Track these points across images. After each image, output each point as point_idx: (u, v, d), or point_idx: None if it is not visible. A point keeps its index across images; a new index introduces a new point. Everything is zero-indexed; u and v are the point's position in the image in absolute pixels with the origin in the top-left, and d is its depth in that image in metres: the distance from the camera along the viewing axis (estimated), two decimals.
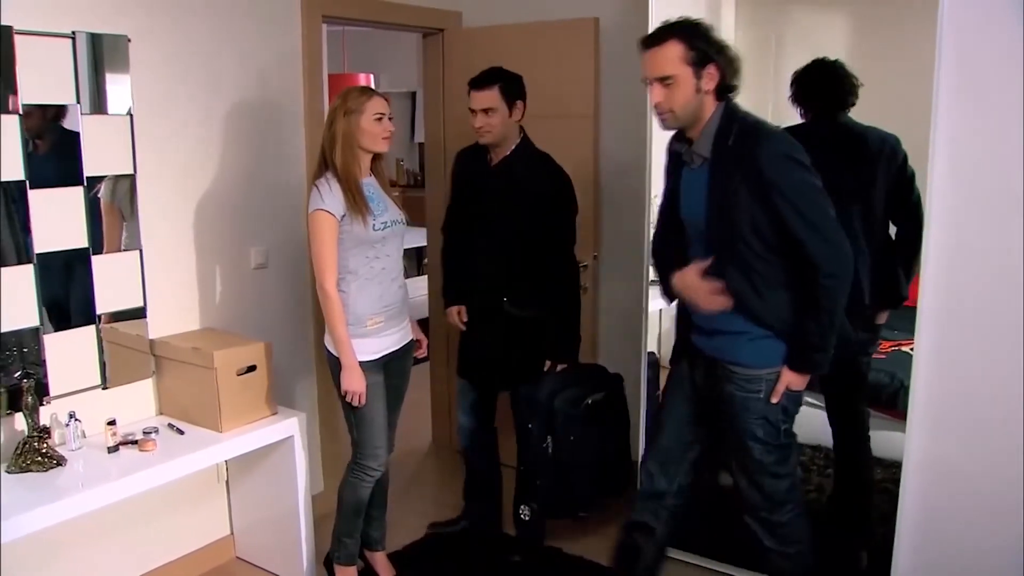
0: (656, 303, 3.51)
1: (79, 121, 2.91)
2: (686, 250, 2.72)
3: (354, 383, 3.01)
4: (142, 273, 3.18)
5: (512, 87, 3.43)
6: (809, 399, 3.63)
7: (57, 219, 2.90)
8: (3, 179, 2.73)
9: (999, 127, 2.55)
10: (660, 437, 2.91)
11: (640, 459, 3.19)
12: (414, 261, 7.27)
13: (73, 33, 2.87)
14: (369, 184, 3.07)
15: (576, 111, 4.07)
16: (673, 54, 2.49)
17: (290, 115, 3.69)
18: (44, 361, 2.91)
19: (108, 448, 2.92)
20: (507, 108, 3.41)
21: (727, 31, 3.80)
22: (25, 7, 2.74)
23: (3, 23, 2.67)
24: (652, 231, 3.09)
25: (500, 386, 3.77)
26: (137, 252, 3.16)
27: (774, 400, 2.60)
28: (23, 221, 2.80)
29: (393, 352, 3.17)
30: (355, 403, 3.05)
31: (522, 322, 3.55)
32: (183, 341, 3.23)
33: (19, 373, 2.83)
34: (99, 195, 3.01)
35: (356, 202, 2.96)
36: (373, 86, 7.09)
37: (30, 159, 2.79)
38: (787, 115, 3.42)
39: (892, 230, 3.35)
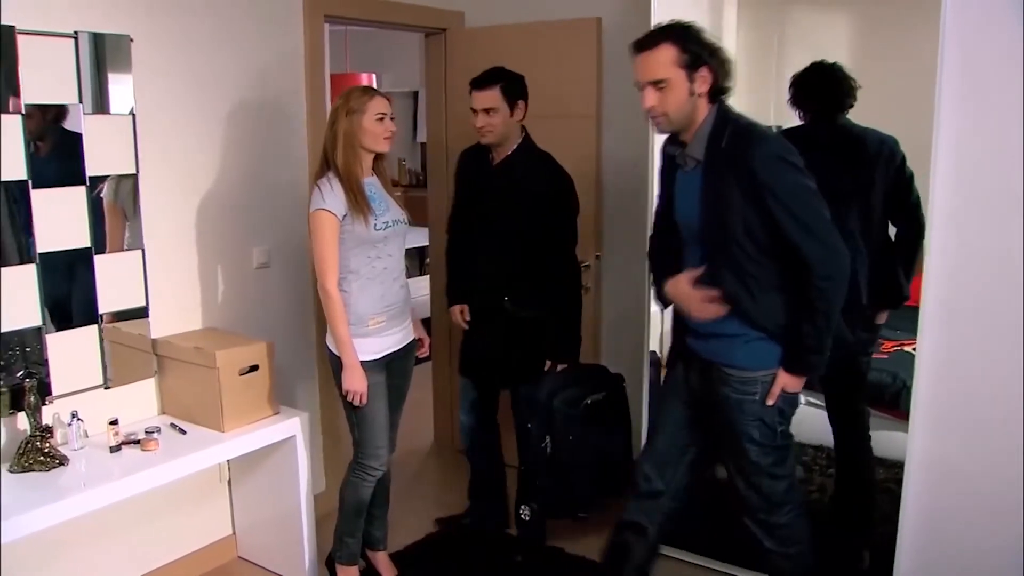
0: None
1: (81, 121, 2.92)
2: (681, 253, 2.72)
3: (355, 383, 3.01)
4: (144, 273, 3.18)
5: (513, 87, 3.44)
6: (812, 399, 3.64)
7: (59, 219, 2.90)
8: (6, 179, 2.74)
9: (1001, 127, 2.55)
10: (656, 439, 2.90)
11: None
12: (416, 261, 7.27)
13: (75, 33, 2.87)
14: (371, 184, 3.07)
15: (578, 111, 4.06)
16: (666, 57, 2.49)
17: (292, 115, 3.70)
18: (46, 361, 2.91)
19: (110, 448, 2.92)
20: (508, 108, 3.42)
21: (729, 32, 3.81)
22: (27, 7, 2.74)
23: (6, 23, 2.67)
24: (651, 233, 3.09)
25: (500, 385, 3.79)
26: (139, 252, 3.16)
27: (770, 402, 2.60)
28: (25, 221, 2.80)
29: (395, 352, 3.18)
30: (356, 403, 3.05)
31: (523, 322, 3.56)
32: (185, 341, 3.23)
33: (21, 373, 2.83)
34: (101, 195, 3.01)
35: (358, 202, 2.96)
36: (375, 86, 7.11)
37: (32, 159, 2.80)
38: (789, 116, 3.42)
39: (891, 231, 3.36)
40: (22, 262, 2.81)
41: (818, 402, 3.56)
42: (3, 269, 2.76)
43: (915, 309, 2.79)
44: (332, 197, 2.94)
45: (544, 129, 3.63)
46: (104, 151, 3.00)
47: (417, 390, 3.66)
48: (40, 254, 2.85)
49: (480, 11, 4.41)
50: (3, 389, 2.79)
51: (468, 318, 3.78)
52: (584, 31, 4.00)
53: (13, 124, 2.74)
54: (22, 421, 2.83)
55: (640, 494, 2.88)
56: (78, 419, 2.93)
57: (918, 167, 2.84)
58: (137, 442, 2.97)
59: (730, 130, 2.52)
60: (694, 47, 2.50)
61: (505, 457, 3.93)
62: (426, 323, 3.55)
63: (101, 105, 2.98)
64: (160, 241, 3.23)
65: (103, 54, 2.95)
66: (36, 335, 2.87)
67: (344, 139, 2.98)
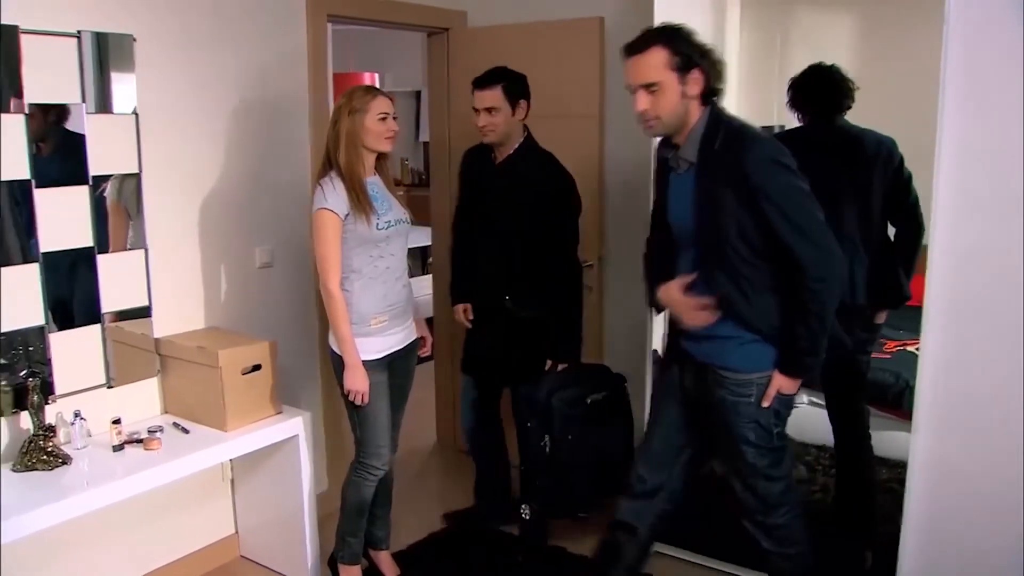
0: None
1: (84, 120, 2.92)
2: (675, 256, 2.72)
3: (357, 382, 3.01)
4: (147, 272, 3.18)
5: (515, 86, 3.45)
6: (814, 399, 3.64)
7: (63, 218, 2.90)
8: (9, 179, 2.74)
9: (1005, 127, 2.55)
10: (650, 440, 2.90)
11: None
12: (418, 260, 7.27)
13: (79, 32, 2.87)
14: (373, 183, 3.07)
15: (580, 111, 4.06)
16: (657, 60, 2.49)
17: (295, 114, 3.70)
18: (50, 360, 2.91)
19: (113, 447, 2.93)
20: (510, 107, 3.44)
21: (731, 32, 3.81)
22: (31, 6, 2.74)
23: (10, 23, 2.68)
24: None
25: (501, 384, 3.79)
26: (142, 251, 3.16)
27: (765, 404, 2.59)
28: (28, 220, 2.80)
29: (397, 351, 3.18)
30: (358, 402, 3.05)
31: (523, 321, 3.58)
32: (188, 340, 3.23)
33: (25, 372, 2.83)
34: (104, 194, 3.01)
35: (360, 201, 2.96)
36: (378, 85, 7.11)
37: (35, 158, 2.80)
38: (791, 116, 3.43)
39: (890, 231, 3.37)
40: (25, 261, 2.82)
41: (821, 402, 3.57)
42: (7, 269, 2.77)
43: (918, 309, 2.79)
44: (334, 196, 2.94)
45: (547, 129, 3.64)
46: (107, 151, 3.00)
47: (420, 389, 3.67)
48: (43, 253, 2.85)
49: (482, 11, 4.41)
50: (6, 388, 2.79)
51: (471, 317, 3.80)
52: (586, 31, 3.99)
53: (16, 124, 2.74)
54: (25, 420, 2.83)
55: (633, 495, 2.88)
56: (81, 418, 2.93)
57: (921, 166, 2.84)
58: (140, 441, 2.98)
59: (723, 132, 2.52)
60: (685, 49, 2.50)
61: (510, 456, 3.93)
62: (429, 323, 3.55)
63: (104, 105, 2.98)
64: (163, 240, 3.23)
65: (106, 53, 2.95)
66: (39, 334, 2.88)
67: (346, 139, 2.98)
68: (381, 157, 3.11)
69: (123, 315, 3.13)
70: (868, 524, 3.42)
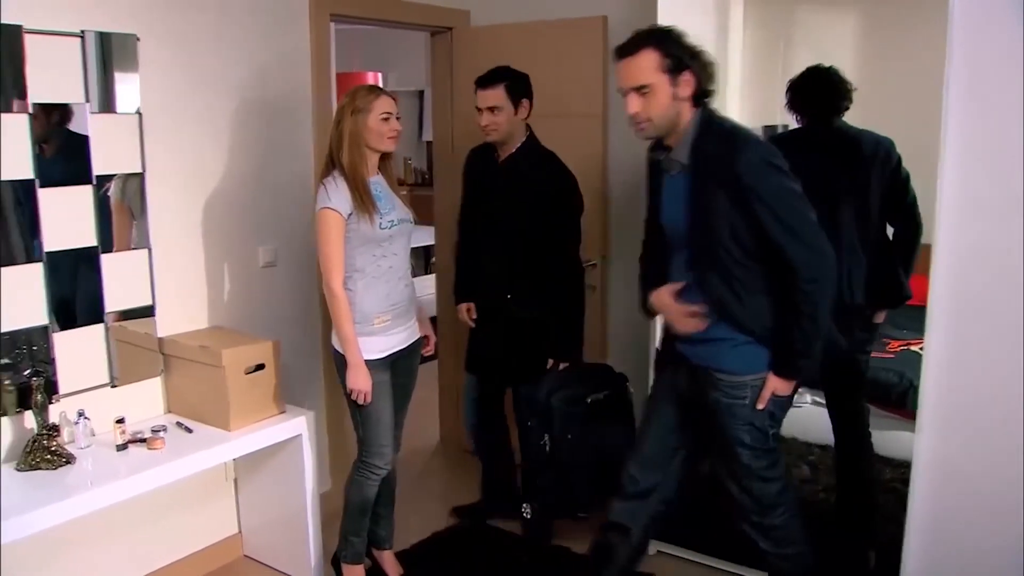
0: None
1: (88, 120, 2.92)
2: (668, 259, 2.72)
3: (360, 381, 3.01)
4: (151, 271, 3.19)
5: (518, 85, 3.47)
6: (818, 399, 3.64)
7: (66, 218, 2.91)
8: (13, 178, 2.74)
9: (1009, 126, 2.54)
10: (644, 442, 2.90)
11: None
12: (422, 260, 7.27)
13: (82, 32, 2.88)
14: (376, 183, 3.07)
15: (584, 110, 4.06)
16: (648, 63, 2.49)
17: (299, 113, 3.70)
18: (53, 359, 2.91)
19: (117, 446, 2.93)
20: (513, 106, 3.46)
21: (735, 31, 3.81)
22: (34, 6, 2.75)
23: (13, 22, 2.68)
24: None
25: (504, 383, 3.80)
26: (146, 251, 3.17)
27: (760, 406, 2.59)
28: (32, 220, 2.81)
29: (400, 351, 3.18)
30: (360, 401, 3.05)
31: (525, 320, 3.59)
32: (191, 339, 3.23)
33: (28, 371, 2.84)
34: (108, 194, 3.01)
35: (363, 200, 2.96)
36: (381, 85, 7.11)
37: (39, 158, 2.80)
38: (793, 116, 3.43)
39: (889, 231, 3.37)
40: (29, 261, 2.82)
41: (824, 402, 3.56)
42: (11, 268, 2.77)
43: (921, 308, 2.79)
44: (337, 196, 2.94)
45: (550, 128, 3.64)
46: (110, 150, 3.00)
47: (423, 389, 3.67)
48: (47, 253, 2.86)
49: (486, 10, 4.41)
50: (10, 388, 2.79)
51: (474, 316, 3.81)
52: (590, 30, 3.99)
53: (20, 123, 2.75)
54: (29, 419, 2.83)
55: (626, 496, 2.88)
56: (85, 418, 2.93)
57: (924, 166, 2.84)
58: (143, 441, 2.98)
59: (714, 134, 2.52)
60: (676, 51, 2.50)
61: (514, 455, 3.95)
62: (432, 322, 3.56)
63: (108, 104, 2.98)
64: (166, 240, 3.23)
65: (109, 53, 2.96)
66: (43, 334, 2.88)
67: (349, 138, 2.98)
68: (384, 157, 3.11)
69: (127, 314, 3.13)
70: (868, 524, 3.42)
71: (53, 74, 2.82)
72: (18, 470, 2.75)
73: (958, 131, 2.58)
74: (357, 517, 3.27)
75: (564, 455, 3.48)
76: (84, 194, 2.95)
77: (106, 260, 3.04)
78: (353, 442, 3.31)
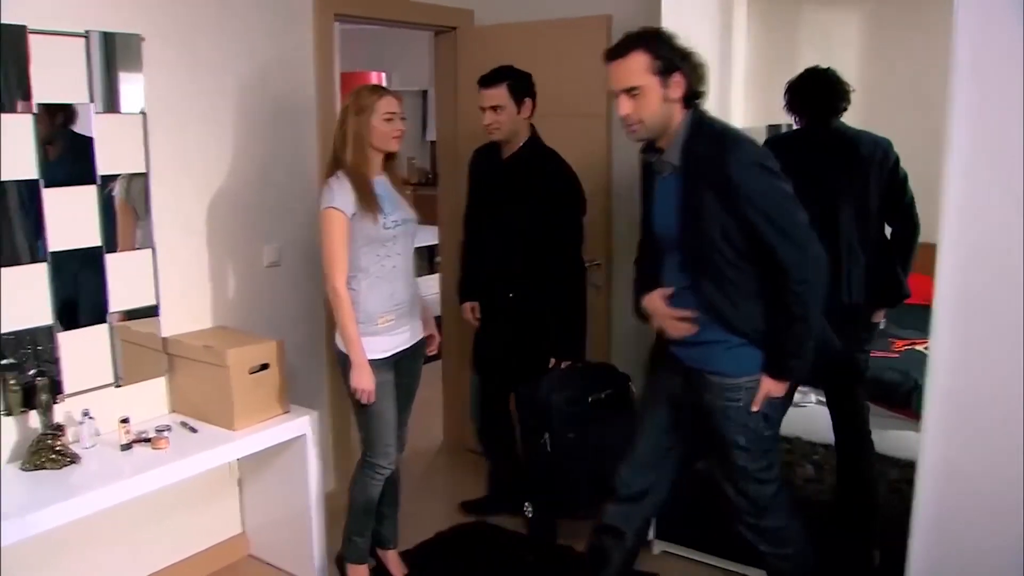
0: None
1: (92, 120, 2.92)
2: (661, 261, 2.72)
3: (363, 381, 3.01)
4: (155, 271, 3.19)
5: (520, 85, 3.49)
6: (822, 398, 3.63)
7: (71, 218, 2.91)
8: (17, 178, 2.75)
9: (1014, 125, 2.53)
10: (636, 444, 2.89)
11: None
12: (426, 259, 7.27)
13: (87, 32, 2.88)
14: (380, 183, 3.07)
15: (588, 110, 4.06)
16: (638, 65, 2.49)
17: (303, 113, 3.70)
18: (58, 359, 2.92)
19: (121, 446, 2.93)
20: (515, 105, 3.48)
21: (739, 30, 3.80)
22: (39, 6, 2.75)
23: (17, 22, 2.68)
24: None
25: (507, 382, 3.80)
26: (150, 250, 3.17)
27: (755, 408, 2.59)
28: (37, 220, 2.81)
29: (403, 350, 3.18)
30: (364, 401, 3.05)
31: (527, 319, 3.59)
32: (196, 339, 3.24)
33: (33, 371, 2.84)
34: (113, 194, 3.02)
35: (367, 200, 2.96)
36: (385, 84, 7.11)
37: (44, 158, 2.80)
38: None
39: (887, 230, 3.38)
40: (34, 261, 2.82)
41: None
42: (15, 268, 2.77)
43: (926, 308, 2.78)
44: (342, 195, 2.94)
45: (554, 128, 3.64)
46: (115, 150, 3.01)
47: (427, 388, 3.67)
48: (52, 253, 2.86)
49: (490, 9, 4.41)
50: (15, 387, 2.80)
51: (479, 316, 3.83)
52: (594, 29, 3.98)
53: (24, 124, 2.75)
54: (34, 419, 2.84)
55: (618, 498, 2.88)
56: (89, 417, 2.94)
57: (929, 165, 2.83)
58: (148, 440, 2.98)
59: (705, 135, 2.52)
60: (666, 53, 2.50)
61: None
62: (436, 321, 3.57)
63: (112, 104, 2.98)
64: (171, 240, 3.24)
65: (114, 53, 2.96)
66: (48, 334, 2.88)
67: (353, 138, 2.98)
68: (388, 156, 3.11)
69: (131, 314, 3.13)
70: (869, 523, 3.42)
71: (57, 74, 2.82)
72: (23, 470, 2.75)
73: (963, 130, 2.58)
74: (361, 517, 3.27)
75: (564, 454, 3.48)
76: (88, 194, 2.95)
77: (110, 260, 3.04)
78: (357, 442, 3.31)
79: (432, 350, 3.41)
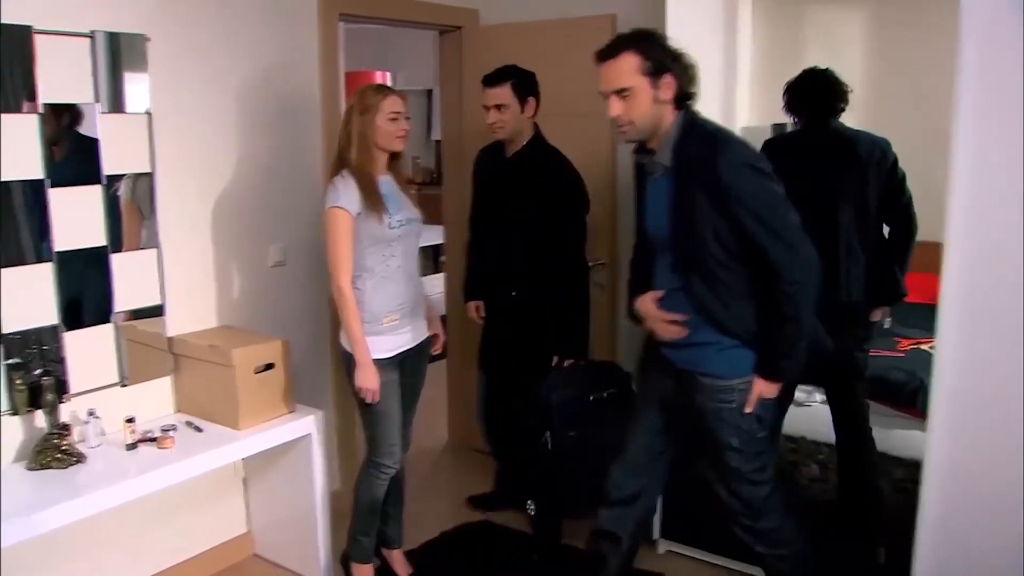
0: None
1: (98, 120, 2.93)
2: (653, 263, 2.72)
3: (368, 380, 3.01)
4: (160, 271, 3.19)
5: (524, 84, 3.52)
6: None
7: (76, 217, 2.91)
8: (23, 178, 2.75)
9: (1021, 125, 2.53)
10: (628, 447, 2.88)
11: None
12: (431, 259, 7.27)
13: (92, 33, 2.88)
14: (385, 182, 3.07)
15: (593, 109, 4.01)
16: (628, 66, 2.49)
17: (308, 113, 3.70)
18: (64, 359, 2.92)
19: (127, 445, 2.93)
20: (519, 104, 3.51)
21: (744, 29, 3.80)
22: (44, 6, 2.75)
23: (23, 23, 2.69)
24: None
25: (510, 380, 3.81)
26: (155, 250, 3.17)
27: (748, 410, 2.59)
28: (43, 219, 2.81)
29: (408, 350, 3.17)
30: (369, 400, 3.05)
31: (528, 318, 3.60)
32: (201, 339, 3.24)
33: (39, 371, 2.84)
34: (118, 193, 3.02)
35: (372, 200, 2.96)
36: (389, 84, 7.11)
37: (49, 158, 2.81)
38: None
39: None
40: (39, 260, 2.83)
41: None
42: (21, 268, 2.78)
43: (932, 307, 2.78)
44: (347, 195, 2.94)
45: (559, 127, 3.64)
46: (120, 150, 3.01)
47: (432, 388, 3.67)
48: (57, 252, 2.86)
49: (495, 9, 4.41)
50: (21, 387, 2.80)
51: (483, 314, 3.84)
52: (599, 28, 3.98)
53: (30, 124, 2.75)
54: (40, 419, 2.84)
55: (611, 502, 2.88)
56: (95, 417, 2.94)
57: (936, 164, 2.83)
58: (153, 440, 2.98)
59: (697, 136, 2.52)
60: (656, 54, 2.50)
61: None
62: (441, 321, 3.58)
63: (117, 104, 2.99)
64: (176, 239, 3.24)
65: (119, 53, 2.96)
66: (53, 333, 2.89)
67: (358, 138, 2.98)
68: (393, 156, 3.11)
69: (136, 314, 3.14)
70: (870, 522, 3.42)
71: (63, 74, 2.83)
72: (29, 469, 2.76)
73: (969, 129, 2.57)
74: (366, 516, 3.27)
75: (565, 453, 3.48)
76: (94, 194, 2.96)
77: (116, 260, 3.04)
78: (362, 441, 3.31)
79: (437, 349, 3.41)
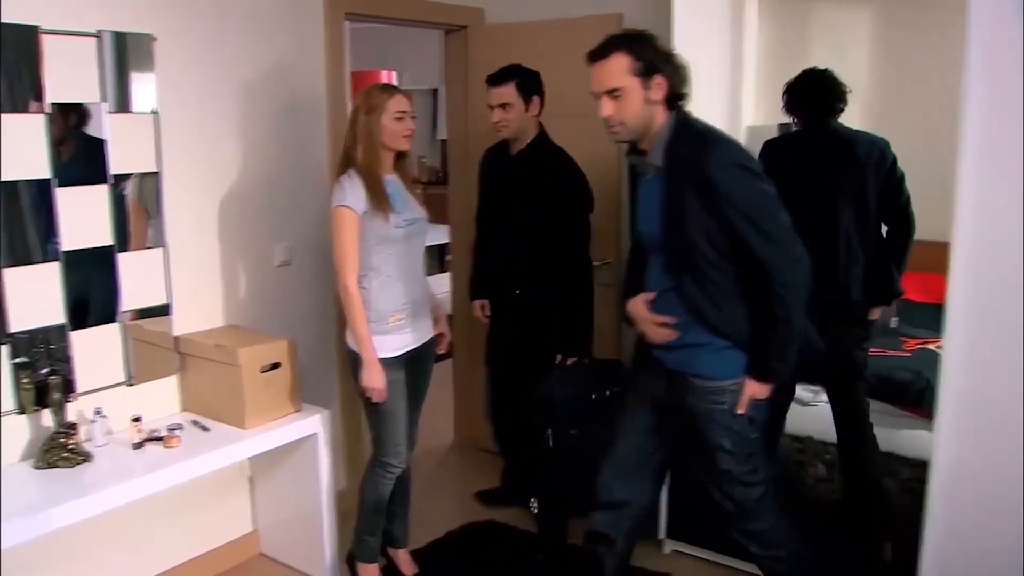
0: None
1: (104, 120, 2.93)
2: (646, 264, 2.72)
3: (374, 379, 3.01)
4: (167, 270, 3.20)
5: (528, 83, 3.53)
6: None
7: (83, 217, 2.92)
8: (30, 177, 2.76)
9: None
10: (619, 448, 2.87)
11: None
12: (436, 258, 7.28)
13: (99, 32, 2.89)
14: (391, 182, 3.07)
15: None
16: (618, 66, 2.49)
17: (313, 112, 3.71)
18: (70, 358, 2.93)
19: (133, 444, 2.94)
20: (523, 103, 3.52)
21: (750, 29, 3.80)
22: (50, 6, 2.76)
23: (30, 23, 2.69)
24: None
25: (515, 378, 3.82)
26: (162, 249, 3.18)
27: (740, 411, 2.58)
28: (50, 219, 2.82)
29: (414, 349, 3.17)
30: (375, 399, 3.05)
31: (532, 316, 3.61)
32: (207, 338, 3.24)
33: (46, 370, 2.85)
34: (125, 193, 3.03)
35: (378, 199, 2.96)
36: (395, 83, 7.11)
37: (56, 158, 2.81)
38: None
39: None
40: (46, 260, 2.83)
41: None
42: (28, 267, 2.78)
43: (938, 307, 2.77)
44: (353, 194, 2.94)
45: (565, 127, 3.64)
46: (127, 150, 3.02)
47: (438, 387, 3.67)
48: (64, 252, 2.87)
49: (500, 8, 4.41)
50: (28, 386, 2.81)
51: (489, 313, 3.85)
52: (605, 28, 3.92)
53: (37, 123, 2.76)
54: (47, 418, 2.85)
55: (603, 504, 2.87)
56: (101, 416, 2.94)
57: (943, 163, 2.82)
58: (160, 439, 2.99)
59: (688, 136, 2.52)
60: (647, 55, 2.50)
61: None
62: (448, 320, 3.59)
63: (124, 104, 2.99)
64: (182, 239, 3.24)
65: (125, 53, 2.97)
66: (60, 332, 2.89)
67: (364, 137, 2.98)
68: (399, 155, 3.12)
69: (143, 313, 3.14)
70: (871, 521, 3.41)
71: (70, 74, 2.83)
72: (36, 468, 2.76)
73: (976, 128, 2.57)
74: (372, 516, 3.27)
75: (566, 451, 3.48)
76: (100, 193, 2.96)
77: (122, 259, 3.05)
78: (368, 441, 3.31)
79: (442, 349, 3.41)
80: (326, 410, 3.36)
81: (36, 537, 2.52)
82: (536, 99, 3.55)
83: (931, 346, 3.85)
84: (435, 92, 8.25)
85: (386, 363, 3.03)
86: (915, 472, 3.44)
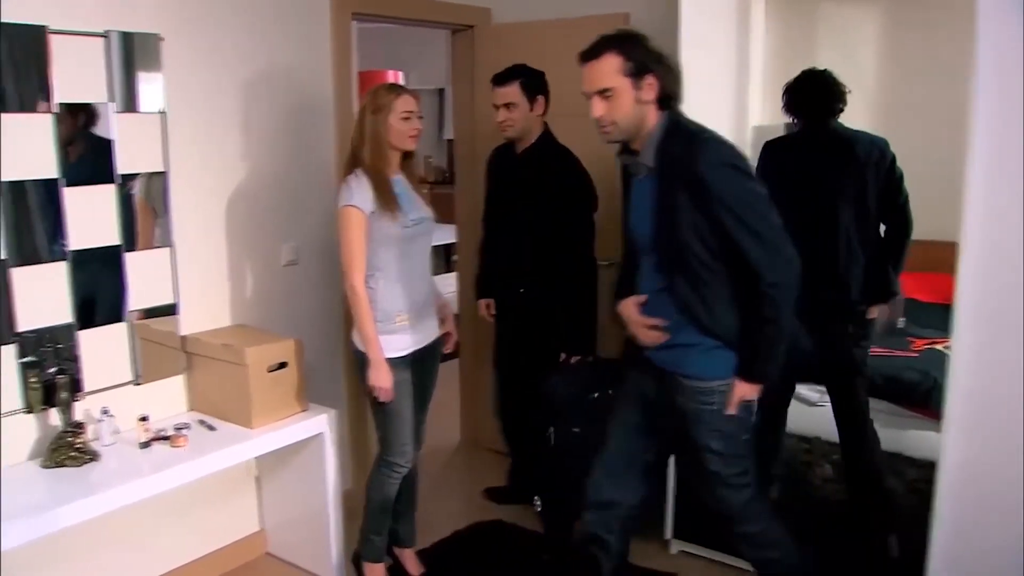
0: None
1: (112, 120, 2.94)
2: (637, 264, 2.72)
3: (381, 379, 3.01)
4: (174, 270, 3.20)
5: (533, 82, 3.54)
6: None
7: (91, 216, 2.92)
8: (38, 177, 2.76)
9: None
10: (608, 447, 2.87)
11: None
12: (443, 258, 7.28)
13: (106, 32, 2.89)
14: (398, 181, 3.07)
15: None
16: (610, 67, 2.50)
17: (320, 112, 3.71)
18: (78, 357, 2.93)
19: (140, 444, 2.94)
20: (528, 103, 3.54)
21: (757, 29, 3.79)
22: (58, 6, 2.76)
23: (38, 23, 2.70)
24: None
25: (520, 376, 3.82)
26: (169, 249, 3.18)
27: (730, 411, 2.57)
28: (57, 218, 2.83)
29: (421, 349, 3.18)
30: (382, 399, 3.05)
31: (537, 315, 3.62)
32: (214, 338, 3.25)
33: (54, 369, 2.86)
34: (132, 192, 3.03)
35: (385, 199, 2.96)
36: (402, 83, 7.11)
37: (64, 157, 2.82)
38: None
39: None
40: (54, 259, 2.84)
41: None
42: (36, 266, 2.79)
43: (946, 307, 2.77)
44: (360, 194, 2.95)
45: (571, 127, 3.63)
46: (134, 149, 3.02)
47: (444, 387, 3.68)
48: (72, 251, 2.87)
49: (507, 8, 4.41)
50: (35, 385, 2.81)
51: (494, 312, 3.85)
52: (612, 27, 3.96)
53: (45, 123, 2.77)
54: (54, 417, 2.86)
55: (591, 504, 2.87)
56: (109, 415, 2.95)
57: (951, 164, 2.82)
58: (167, 438, 2.99)
59: (680, 136, 2.51)
60: (638, 55, 2.50)
61: None
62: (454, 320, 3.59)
63: (131, 104, 3.00)
64: (189, 238, 3.25)
65: (133, 53, 2.97)
66: (67, 332, 2.90)
67: (371, 137, 2.99)
68: (406, 155, 3.12)
69: (150, 312, 3.15)
70: (873, 519, 3.41)
71: (77, 74, 2.84)
72: (43, 467, 2.77)
73: (985, 129, 2.56)
74: (378, 515, 3.27)
75: (568, 449, 3.48)
76: (108, 193, 2.97)
77: (130, 258, 3.06)
78: (375, 440, 3.32)
79: (449, 348, 3.41)
80: (333, 410, 3.36)
81: (43, 536, 2.52)
82: (541, 99, 3.56)
83: (939, 346, 3.84)
84: (442, 92, 8.27)
85: (393, 363, 3.04)
86: (922, 473, 3.43)
